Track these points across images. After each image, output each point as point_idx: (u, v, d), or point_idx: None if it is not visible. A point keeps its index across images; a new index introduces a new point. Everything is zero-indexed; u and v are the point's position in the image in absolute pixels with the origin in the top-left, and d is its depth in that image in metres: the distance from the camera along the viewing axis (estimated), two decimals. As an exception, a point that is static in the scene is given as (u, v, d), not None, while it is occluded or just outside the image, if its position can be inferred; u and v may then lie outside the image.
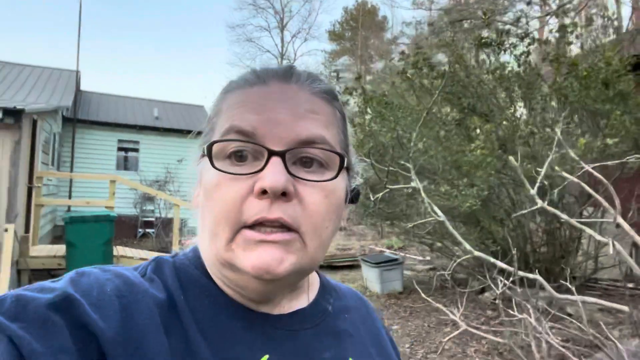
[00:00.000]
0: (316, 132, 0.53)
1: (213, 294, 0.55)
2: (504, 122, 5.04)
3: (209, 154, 0.52)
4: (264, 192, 0.49)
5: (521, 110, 5.49)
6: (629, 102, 4.48)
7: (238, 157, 0.52)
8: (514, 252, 3.43)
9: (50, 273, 7.75)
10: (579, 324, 3.02)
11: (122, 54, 61.20)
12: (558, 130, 3.69)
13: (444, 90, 5.36)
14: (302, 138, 0.52)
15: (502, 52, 5.29)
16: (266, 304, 0.57)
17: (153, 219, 13.57)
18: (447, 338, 3.28)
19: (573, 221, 2.92)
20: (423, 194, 3.80)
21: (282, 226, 0.50)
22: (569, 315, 5.53)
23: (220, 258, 0.53)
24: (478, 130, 5.09)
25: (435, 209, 3.56)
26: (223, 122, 0.54)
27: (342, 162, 0.54)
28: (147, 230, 13.75)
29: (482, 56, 5.54)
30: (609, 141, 3.95)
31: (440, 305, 3.45)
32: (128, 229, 13.49)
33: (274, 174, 0.49)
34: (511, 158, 3.06)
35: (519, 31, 5.34)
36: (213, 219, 0.52)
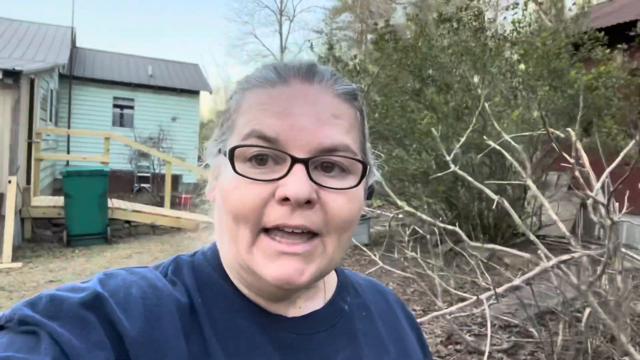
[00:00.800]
0: (339, 139, 0.53)
1: (229, 297, 0.56)
2: (457, 94, 5.59)
3: (230, 158, 0.52)
4: (285, 199, 0.49)
5: (476, 83, 6.02)
6: (562, 79, 5.02)
7: (259, 160, 0.52)
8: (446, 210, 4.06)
9: (50, 222, 8.47)
10: (478, 269, 3.71)
11: (117, 10, 60.10)
12: (487, 105, 4.25)
13: (406, 62, 5.88)
14: (326, 146, 0.52)
15: (460, 27, 5.77)
16: (282, 302, 0.58)
17: (149, 175, 14.23)
18: (367, 271, 3.97)
19: (477, 183, 3.51)
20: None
21: (303, 232, 0.51)
22: (506, 265, 6.27)
23: (241, 261, 0.53)
24: (434, 99, 5.64)
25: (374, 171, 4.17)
26: (244, 124, 0.54)
27: (364, 169, 0.54)
28: (143, 185, 14.44)
29: (443, 31, 6.01)
30: (535, 114, 4.52)
31: (379, 253, 4.14)
32: (125, 183, 14.15)
33: (298, 183, 0.49)
34: (433, 130, 3.63)
35: (476, 8, 5.78)
36: (232, 221, 0.52)
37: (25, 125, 8.12)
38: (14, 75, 7.21)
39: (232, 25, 56.21)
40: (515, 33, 5.47)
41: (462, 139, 3.82)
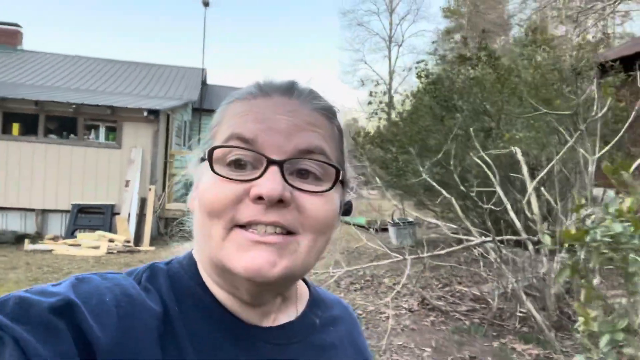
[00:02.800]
0: (315, 142, 0.54)
1: (206, 306, 0.56)
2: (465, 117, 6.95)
3: (209, 158, 0.53)
4: (260, 198, 0.50)
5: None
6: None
7: (238, 165, 0.53)
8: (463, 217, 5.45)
9: (179, 221, 11.15)
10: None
11: (243, 49, 66.95)
12: (471, 129, 5.62)
13: (434, 94, 7.35)
14: (301, 148, 0.53)
15: (476, 66, 7.09)
16: (258, 309, 0.58)
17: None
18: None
19: (445, 193, 4.84)
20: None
21: (278, 227, 0.51)
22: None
23: (214, 258, 0.53)
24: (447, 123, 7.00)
25: (438, 186, 5.73)
26: (224, 130, 0.56)
27: (337, 174, 0.55)
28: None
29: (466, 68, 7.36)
30: (506, 136, 5.76)
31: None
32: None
33: (271, 182, 0.50)
34: (412, 150, 5.12)
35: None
36: (207, 217, 0.53)
37: (163, 149, 10.91)
38: (154, 113, 9.98)
39: (345, 54, 59.15)
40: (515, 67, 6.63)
41: (439, 155, 5.22)
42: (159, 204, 10.48)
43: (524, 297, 3.90)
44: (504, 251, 4.41)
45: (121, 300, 0.49)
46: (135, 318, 0.49)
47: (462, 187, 5.44)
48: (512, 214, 4.75)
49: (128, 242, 9.02)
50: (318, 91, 0.61)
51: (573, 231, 2.01)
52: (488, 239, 4.15)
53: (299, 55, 68.19)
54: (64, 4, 61.58)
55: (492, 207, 4.26)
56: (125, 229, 9.24)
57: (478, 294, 5.11)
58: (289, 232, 0.52)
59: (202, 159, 0.57)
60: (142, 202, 9.82)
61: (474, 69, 7.15)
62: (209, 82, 20.02)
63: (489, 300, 4.70)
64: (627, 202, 1.71)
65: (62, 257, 8.03)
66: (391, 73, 37.78)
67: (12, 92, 10.30)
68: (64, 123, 10.30)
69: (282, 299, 0.62)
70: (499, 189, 4.93)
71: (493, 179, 5.06)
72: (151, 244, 9.27)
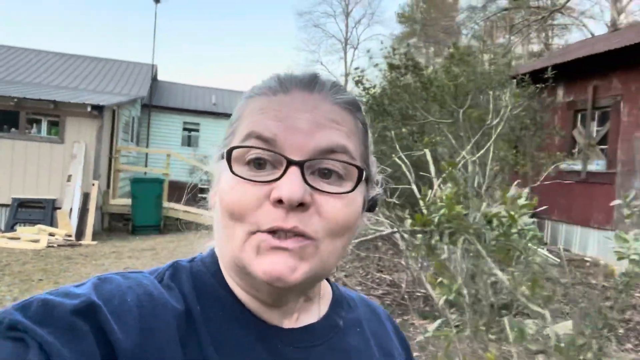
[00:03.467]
0: (337, 140, 0.53)
1: (228, 306, 0.56)
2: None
3: (228, 158, 0.52)
4: (280, 201, 0.49)
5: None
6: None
7: (257, 164, 0.52)
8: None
9: (122, 216, 11.26)
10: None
11: (192, 44, 66.29)
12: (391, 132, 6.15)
13: (366, 98, 7.87)
14: (322, 147, 0.52)
15: (404, 75, 7.67)
16: (279, 309, 0.58)
17: (206, 186, 17.03)
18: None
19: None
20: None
21: (298, 234, 0.51)
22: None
23: (236, 259, 0.53)
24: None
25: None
26: (243, 128, 0.55)
27: (360, 175, 0.54)
28: (202, 195, 17.25)
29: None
30: (425, 139, 6.33)
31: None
32: (184, 191, 17.05)
33: (291, 185, 0.49)
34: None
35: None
36: (229, 219, 0.52)
37: (107, 145, 10.98)
38: (98, 108, 10.07)
39: (300, 54, 59.74)
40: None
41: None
42: (102, 200, 10.57)
43: (424, 279, 4.45)
44: (411, 240, 4.98)
45: (143, 300, 0.50)
46: (156, 318, 0.49)
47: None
48: (423, 208, 5.34)
49: (69, 236, 9.08)
50: (341, 84, 0.59)
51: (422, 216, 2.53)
52: (394, 230, 4.69)
53: (253, 55, 68.10)
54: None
55: (395, 201, 4.80)
56: (67, 223, 9.30)
57: (393, 279, 5.67)
58: (307, 237, 0.51)
59: (222, 157, 0.56)
60: (85, 197, 9.90)
61: (403, 77, 7.74)
62: (160, 78, 19.97)
63: (400, 284, 5.26)
64: (447, 190, 2.22)
65: (1, 250, 8.04)
66: (347, 75, 38.55)
67: (-51, 83, 10.11)
68: (5, 116, 10.22)
69: (305, 298, 0.60)
70: (413, 186, 5.49)
71: (409, 177, 5.62)
72: (93, 239, 9.38)
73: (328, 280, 0.68)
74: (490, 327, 2.60)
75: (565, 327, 2.72)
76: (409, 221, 2.67)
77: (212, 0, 62.65)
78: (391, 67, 7.70)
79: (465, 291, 2.61)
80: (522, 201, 2.72)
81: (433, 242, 2.49)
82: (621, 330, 4.68)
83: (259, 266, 0.51)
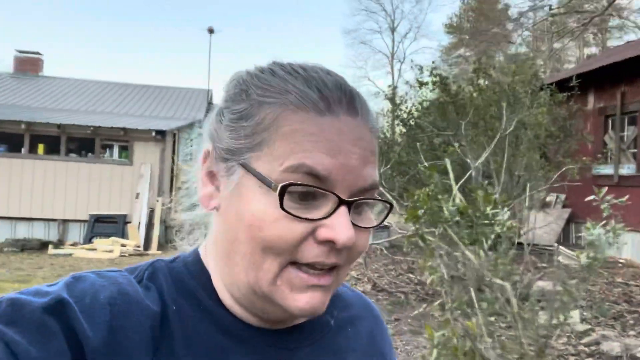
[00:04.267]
0: (374, 178, 0.52)
1: (207, 308, 0.54)
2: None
3: (281, 194, 0.48)
4: (329, 241, 0.48)
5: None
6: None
7: (302, 196, 0.49)
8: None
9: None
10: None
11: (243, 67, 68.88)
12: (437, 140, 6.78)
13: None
14: (366, 186, 0.51)
15: (432, 90, 8.26)
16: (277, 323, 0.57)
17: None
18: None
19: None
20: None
21: (332, 267, 0.50)
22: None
23: (260, 290, 0.51)
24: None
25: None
26: (287, 152, 0.49)
27: (390, 210, 0.55)
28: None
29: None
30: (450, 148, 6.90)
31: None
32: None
33: (346, 229, 0.48)
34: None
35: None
36: (260, 251, 0.49)
37: (169, 165, 12.22)
38: (161, 133, 11.32)
39: (348, 71, 61.04)
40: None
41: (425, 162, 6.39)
42: (166, 214, 11.76)
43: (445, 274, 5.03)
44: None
45: (116, 298, 0.49)
46: (129, 317, 0.48)
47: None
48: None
49: (138, 246, 10.28)
50: (367, 101, 0.55)
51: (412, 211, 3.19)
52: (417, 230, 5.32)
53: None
54: (80, 37, 64.39)
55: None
56: (136, 236, 10.51)
57: (420, 279, 6.24)
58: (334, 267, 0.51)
59: (243, 166, 0.51)
60: (151, 212, 11.10)
61: (432, 92, 8.34)
62: (214, 101, 21.35)
63: (426, 282, 5.83)
64: (428, 190, 2.88)
65: (81, 260, 9.29)
66: (394, 89, 38.94)
67: (37, 116, 11.71)
68: (82, 143, 11.69)
69: None
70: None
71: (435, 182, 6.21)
72: (158, 249, 10.54)
73: None
74: (468, 303, 3.19)
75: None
76: (407, 218, 3.32)
77: (260, 28, 65.29)
78: (420, 84, 8.31)
79: (444, 270, 3.23)
80: (495, 198, 3.32)
81: (420, 232, 3.14)
82: (631, 321, 5.00)
83: (294, 302, 0.49)
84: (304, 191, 0.49)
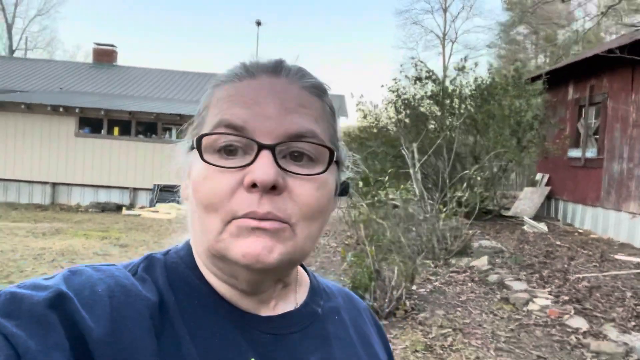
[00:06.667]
0: (306, 125, 0.53)
1: (203, 296, 0.56)
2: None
3: (198, 147, 0.52)
4: (253, 185, 0.50)
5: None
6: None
7: (228, 151, 0.52)
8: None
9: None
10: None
11: (298, 51, 70.44)
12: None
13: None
14: (292, 132, 0.52)
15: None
16: (257, 297, 0.58)
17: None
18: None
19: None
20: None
21: (273, 219, 0.51)
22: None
23: (212, 249, 0.53)
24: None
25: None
26: (212, 116, 0.55)
27: (331, 155, 0.55)
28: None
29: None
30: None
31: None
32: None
33: (263, 168, 0.49)
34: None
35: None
36: (203, 211, 0.52)
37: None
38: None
39: (399, 52, 61.10)
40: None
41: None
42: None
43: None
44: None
45: (114, 291, 0.50)
46: (128, 308, 0.49)
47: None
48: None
49: (191, 210, 12.73)
50: (306, 69, 0.59)
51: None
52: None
53: (353, 56, 70.66)
54: (150, 28, 68.88)
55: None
56: (189, 202, 12.97)
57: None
58: (282, 222, 0.51)
59: (192, 147, 0.55)
60: (201, 183, 13.53)
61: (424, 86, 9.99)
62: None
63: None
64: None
65: (146, 219, 11.86)
66: (445, 69, 39.18)
67: (112, 103, 14.42)
68: (148, 126, 14.33)
69: (283, 285, 0.61)
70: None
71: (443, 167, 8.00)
72: (207, 213, 12.98)
73: (306, 270, 0.69)
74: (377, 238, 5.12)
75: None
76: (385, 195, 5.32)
77: (310, 16, 66.43)
78: (416, 79, 9.98)
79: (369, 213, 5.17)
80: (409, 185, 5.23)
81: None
82: (538, 273, 6.61)
83: (238, 249, 0.51)
84: (226, 145, 0.52)
